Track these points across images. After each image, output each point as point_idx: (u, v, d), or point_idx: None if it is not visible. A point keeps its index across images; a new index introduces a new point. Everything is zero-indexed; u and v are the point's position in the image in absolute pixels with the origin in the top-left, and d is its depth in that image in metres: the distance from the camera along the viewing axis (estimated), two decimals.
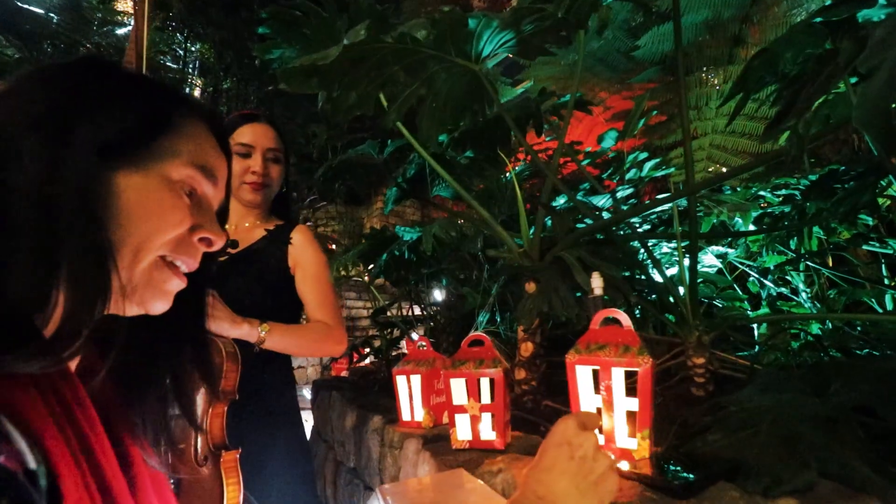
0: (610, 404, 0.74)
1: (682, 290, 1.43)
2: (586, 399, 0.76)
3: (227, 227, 1.33)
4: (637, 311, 1.91)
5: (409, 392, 1.27)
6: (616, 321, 0.80)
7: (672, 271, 1.96)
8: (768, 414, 0.73)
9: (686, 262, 1.45)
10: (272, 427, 1.13)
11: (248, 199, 1.25)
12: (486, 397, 0.95)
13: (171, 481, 0.94)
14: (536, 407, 1.49)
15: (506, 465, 0.74)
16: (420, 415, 1.24)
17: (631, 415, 0.73)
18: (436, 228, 1.86)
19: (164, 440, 0.50)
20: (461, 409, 0.94)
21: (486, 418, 0.93)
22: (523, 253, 1.58)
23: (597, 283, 1.21)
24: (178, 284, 0.44)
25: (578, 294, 1.48)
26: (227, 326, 1.03)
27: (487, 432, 0.93)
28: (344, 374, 3.14)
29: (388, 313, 3.62)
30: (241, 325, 1.05)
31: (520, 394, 1.59)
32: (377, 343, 2.93)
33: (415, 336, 4.49)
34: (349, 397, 1.88)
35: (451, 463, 0.87)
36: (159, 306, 0.43)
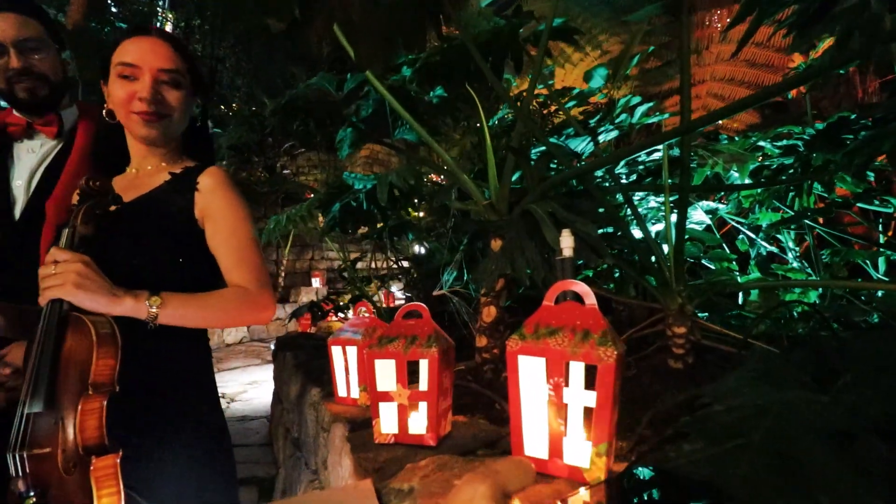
0: (559, 408, 0.56)
1: (666, 249, 1.25)
2: (532, 403, 0.58)
3: (128, 170, 1.10)
4: (616, 273, 1.74)
5: (346, 365, 1.10)
6: (577, 297, 0.61)
7: (657, 228, 1.77)
8: (762, 420, 0.56)
9: (674, 217, 1.26)
10: (176, 421, 0.94)
11: (142, 134, 1.00)
12: (423, 382, 0.77)
13: (29, 493, 0.77)
14: (496, 379, 1.34)
15: (423, 479, 0.58)
16: (356, 392, 1.08)
17: (588, 421, 0.56)
18: (392, 177, 1.64)
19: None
20: (386, 397, 0.77)
21: (420, 407, 0.77)
22: (489, 206, 1.37)
23: (566, 241, 1.01)
24: None
25: (550, 255, 1.30)
26: (102, 301, 0.81)
27: (418, 425, 0.76)
28: (311, 329, 2.98)
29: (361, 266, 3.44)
30: (123, 299, 0.83)
31: (480, 363, 1.44)
32: (344, 299, 2.76)
33: (394, 290, 4.36)
34: (300, 361, 1.73)
35: (369, 463, 0.71)
36: None
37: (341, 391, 1.11)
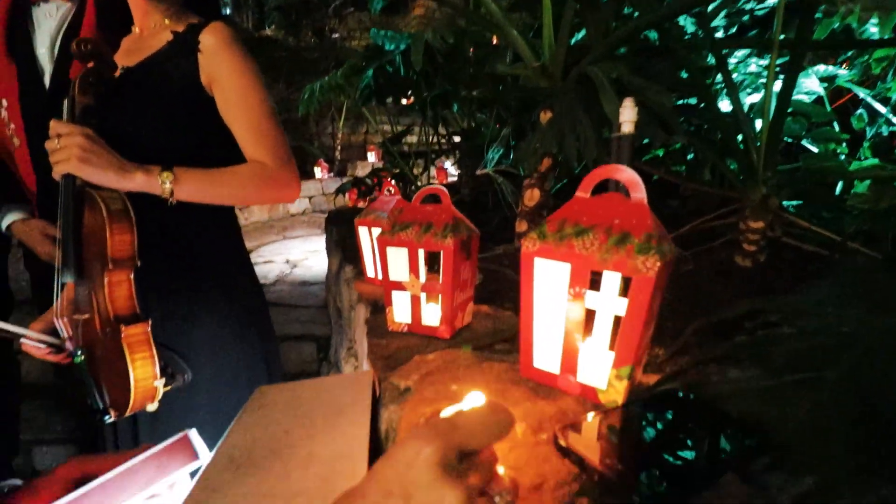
0: (578, 320, 0.47)
1: (759, 125, 1.00)
2: (546, 313, 0.49)
3: (133, 30, 0.99)
4: (690, 155, 1.49)
5: (372, 246, 1.06)
6: (619, 187, 0.47)
7: (752, 99, 1.44)
8: (846, 353, 0.44)
9: (777, 85, 0.99)
10: (206, 288, 0.96)
11: None
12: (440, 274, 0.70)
13: (79, 351, 0.84)
14: None
15: (422, 378, 0.54)
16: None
17: (613, 338, 0.47)
18: (429, 34, 1.39)
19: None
20: (399, 287, 0.72)
21: (434, 299, 0.71)
22: (540, 69, 1.13)
23: (627, 114, 0.82)
24: None
25: (608, 131, 1.09)
26: (111, 177, 0.77)
27: (431, 316, 0.72)
28: (361, 204, 2.99)
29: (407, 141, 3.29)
30: (133, 174, 0.79)
31: (519, 248, 1.36)
32: (385, 175, 2.68)
33: (447, 166, 4.22)
34: (341, 237, 1.74)
35: (381, 350, 0.69)
36: None
37: (370, 271, 1.08)
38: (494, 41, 1.74)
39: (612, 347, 0.46)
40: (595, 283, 0.46)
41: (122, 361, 0.75)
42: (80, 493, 0.35)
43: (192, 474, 0.40)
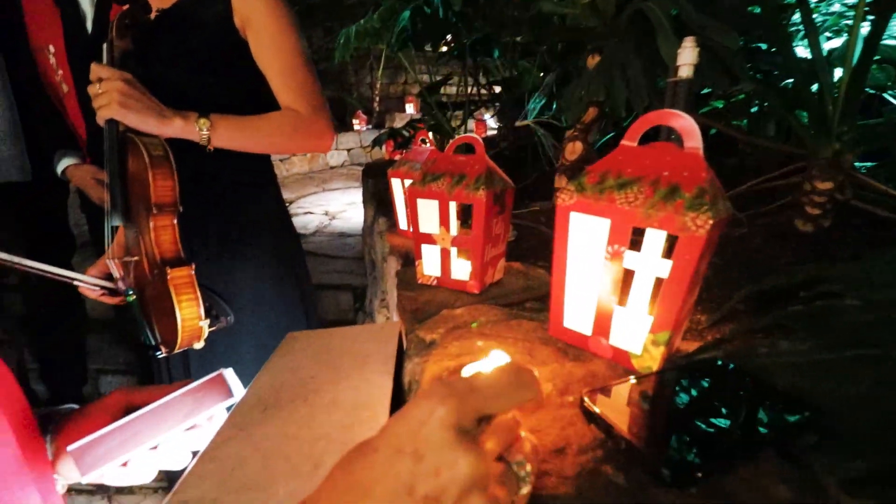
0: (615, 279, 0.44)
1: (838, 74, 0.88)
2: (580, 270, 0.46)
3: None
4: (754, 107, 1.35)
5: (405, 198, 1.04)
6: (672, 135, 0.42)
7: (832, 45, 1.27)
8: None
9: (865, 28, 0.86)
10: (245, 233, 0.99)
11: None
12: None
13: (130, 290, 0.89)
14: None
15: (447, 333, 0.53)
16: None
17: (653, 300, 0.43)
18: None
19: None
20: (429, 239, 0.70)
21: (464, 253, 0.69)
22: (590, 6, 1.03)
23: (687, 56, 0.73)
24: None
25: (662, 77, 1.00)
26: (151, 122, 0.78)
27: (461, 270, 0.70)
28: (397, 156, 2.96)
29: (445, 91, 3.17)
30: (171, 120, 0.80)
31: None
32: (422, 127, 2.62)
33: (487, 118, 4.08)
34: (376, 189, 1.73)
35: (409, 302, 0.68)
36: None
37: (402, 224, 1.08)
38: None
39: (650, 311, 0.43)
40: (635, 243, 0.43)
41: (169, 302, 0.79)
42: (126, 420, 0.37)
43: (229, 409, 0.42)
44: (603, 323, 0.45)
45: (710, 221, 0.37)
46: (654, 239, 0.41)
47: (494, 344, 0.48)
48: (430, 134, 2.26)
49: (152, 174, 0.78)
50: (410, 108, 6.76)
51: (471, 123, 3.03)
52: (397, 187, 1.04)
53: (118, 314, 2.07)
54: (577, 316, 0.48)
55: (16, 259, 0.71)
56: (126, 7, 0.83)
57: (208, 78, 0.90)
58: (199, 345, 0.87)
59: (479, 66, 2.29)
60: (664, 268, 0.41)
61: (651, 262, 0.42)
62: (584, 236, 0.45)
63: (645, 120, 0.44)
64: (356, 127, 6.33)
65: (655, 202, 0.40)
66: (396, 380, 0.46)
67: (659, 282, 0.43)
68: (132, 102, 0.77)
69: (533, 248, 1.07)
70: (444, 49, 2.31)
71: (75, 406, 0.44)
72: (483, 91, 2.59)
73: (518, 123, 1.56)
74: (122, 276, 0.88)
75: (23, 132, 1.33)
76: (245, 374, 1.08)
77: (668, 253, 0.41)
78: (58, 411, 0.43)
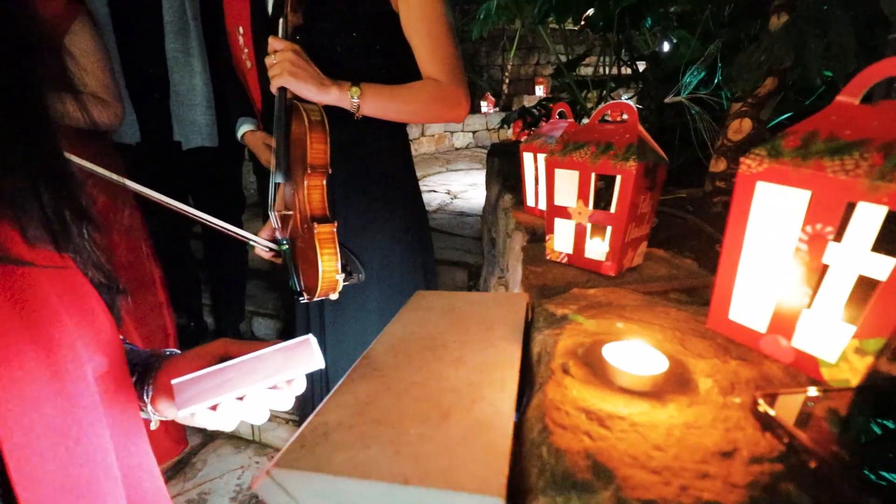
0: (810, 269, 0.35)
1: None
2: (761, 252, 0.38)
3: None
4: None
5: (536, 173, 1.00)
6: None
7: None
8: None
9: None
10: (380, 200, 1.05)
11: None
12: (613, 202, 0.62)
13: (285, 241, 1.00)
14: (726, 213, 1.05)
15: (580, 311, 0.49)
16: (544, 203, 0.99)
17: (856, 299, 0.34)
18: None
19: None
20: (563, 213, 0.66)
21: (603, 231, 0.63)
22: None
23: None
24: None
25: (877, 35, 0.79)
26: (313, 90, 0.86)
27: (597, 249, 0.65)
28: (524, 137, 2.90)
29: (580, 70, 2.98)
30: (330, 88, 0.87)
31: (709, 192, 1.14)
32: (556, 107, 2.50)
33: (625, 98, 3.78)
34: (502, 168, 1.71)
35: (535, 278, 0.66)
36: None
37: (530, 200, 1.04)
38: None
39: (846, 316, 0.34)
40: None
41: (314, 253, 0.88)
42: (223, 366, 0.40)
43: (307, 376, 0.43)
44: (785, 319, 0.37)
45: None
46: (869, 216, 0.32)
47: (636, 328, 0.43)
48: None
49: (310, 137, 0.86)
50: (540, 91, 6.56)
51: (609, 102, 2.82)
52: (529, 162, 1.01)
53: (272, 266, 2.39)
54: (747, 308, 0.40)
55: (205, 216, 0.84)
56: None
57: (362, 49, 0.96)
58: (333, 296, 0.95)
59: (621, 40, 2.10)
60: (882, 266, 0.32)
61: (858, 255, 0.33)
62: (773, 212, 0.37)
63: (874, 70, 0.34)
64: (483, 109, 6.35)
65: (885, 171, 0.31)
66: (524, 350, 0.43)
67: (863, 279, 0.34)
68: (299, 71, 0.85)
69: (676, 237, 0.96)
70: (584, 23, 2.16)
71: (177, 351, 0.49)
72: (624, 69, 2.38)
73: (668, 100, 1.39)
74: (280, 228, 1.00)
75: (214, 103, 1.58)
76: (370, 329, 1.15)
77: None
78: (161, 354, 0.49)
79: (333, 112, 0.90)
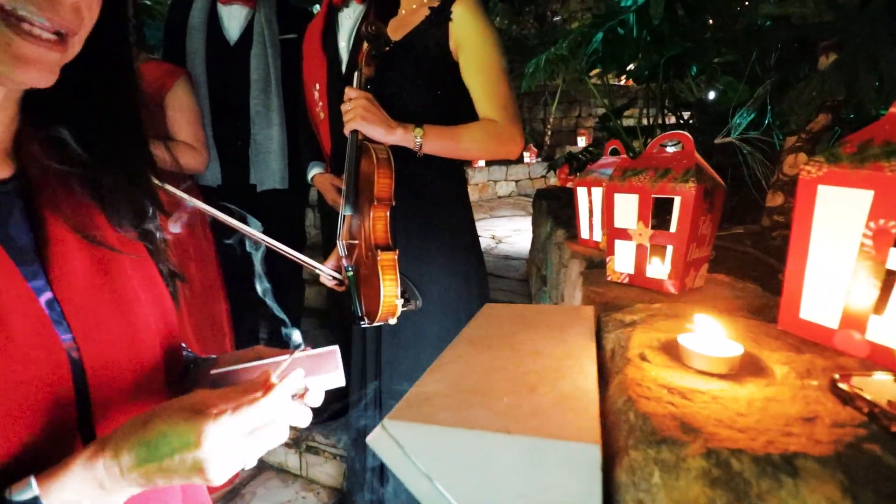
0: (877, 267, 0.37)
1: None
2: (827, 252, 0.40)
3: (399, 11, 1.20)
4: None
5: (590, 207, 1.05)
6: None
7: None
8: None
9: None
10: (438, 232, 1.12)
11: None
12: (672, 223, 0.65)
13: (350, 268, 1.08)
14: (785, 247, 1.03)
15: (646, 318, 0.51)
16: (598, 234, 1.02)
17: None
18: None
19: None
20: (624, 235, 0.69)
21: (664, 251, 0.66)
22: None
23: None
24: (34, 50, 0.34)
25: None
26: (381, 131, 0.97)
27: (659, 269, 0.67)
28: (570, 184, 2.98)
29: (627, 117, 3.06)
30: (395, 130, 0.98)
31: (767, 227, 1.13)
32: (609, 144, 2.56)
33: (669, 147, 3.80)
34: (552, 208, 1.76)
35: (597, 297, 0.68)
36: (20, 76, 0.34)
37: (584, 233, 1.08)
38: None
39: None
40: None
41: (377, 279, 0.94)
42: (254, 364, 0.45)
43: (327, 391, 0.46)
44: (856, 315, 0.39)
45: None
46: None
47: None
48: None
49: (377, 173, 0.95)
50: (582, 141, 6.69)
51: None
52: (583, 196, 1.06)
53: (326, 305, 2.49)
54: (818, 306, 0.42)
55: (278, 244, 0.92)
56: (372, 44, 1.05)
57: (425, 95, 1.07)
58: (392, 321, 1.00)
59: (666, 89, 2.17)
60: None
61: None
62: (835, 213, 0.40)
63: None
64: (526, 159, 6.53)
65: None
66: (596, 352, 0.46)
67: None
68: (369, 115, 0.96)
69: (737, 267, 0.96)
70: (629, 72, 2.25)
71: (214, 356, 0.56)
72: (669, 117, 2.43)
73: (718, 140, 1.42)
74: (346, 256, 1.08)
75: (287, 151, 1.75)
76: (425, 356, 1.18)
77: None
78: (201, 358, 0.56)
79: (399, 151, 1.00)
